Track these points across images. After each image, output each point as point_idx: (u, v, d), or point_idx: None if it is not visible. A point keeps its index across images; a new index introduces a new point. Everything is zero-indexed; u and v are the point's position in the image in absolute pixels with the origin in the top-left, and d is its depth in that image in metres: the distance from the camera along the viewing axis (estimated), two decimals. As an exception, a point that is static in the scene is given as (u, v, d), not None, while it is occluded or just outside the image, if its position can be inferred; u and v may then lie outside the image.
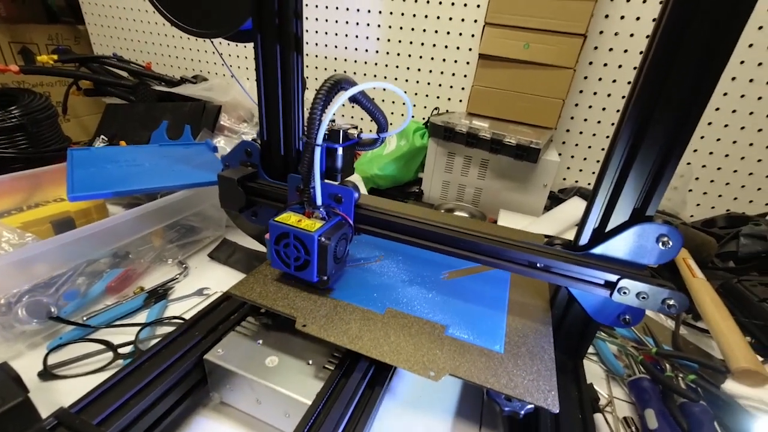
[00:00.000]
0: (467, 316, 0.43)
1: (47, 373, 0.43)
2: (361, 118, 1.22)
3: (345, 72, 1.20)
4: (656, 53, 0.31)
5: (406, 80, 1.14)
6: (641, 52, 0.91)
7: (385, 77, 1.16)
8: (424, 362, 0.35)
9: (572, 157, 1.07)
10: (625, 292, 0.36)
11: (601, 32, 0.93)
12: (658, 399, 0.46)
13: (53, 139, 0.85)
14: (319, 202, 0.43)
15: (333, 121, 0.47)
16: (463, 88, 1.10)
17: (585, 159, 1.06)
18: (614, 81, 0.96)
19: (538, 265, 0.39)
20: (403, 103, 1.17)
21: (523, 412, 0.35)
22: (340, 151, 0.48)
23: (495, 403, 0.36)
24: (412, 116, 0.53)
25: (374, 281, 0.47)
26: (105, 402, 0.32)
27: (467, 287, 0.48)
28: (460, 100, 1.11)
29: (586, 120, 1.02)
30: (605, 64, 0.95)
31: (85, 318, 0.51)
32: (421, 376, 0.34)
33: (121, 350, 0.46)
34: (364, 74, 1.18)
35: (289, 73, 0.43)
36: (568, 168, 1.08)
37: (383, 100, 1.17)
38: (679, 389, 0.46)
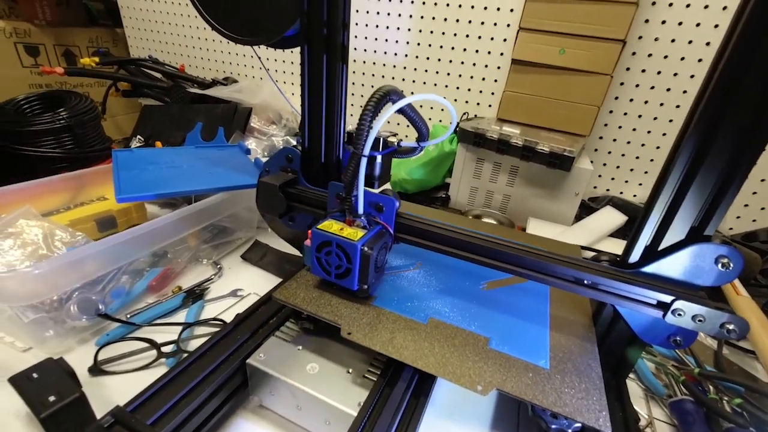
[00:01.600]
0: (509, 329, 0.42)
1: (96, 369, 0.45)
2: (388, 122, 1.22)
3: (373, 75, 1.21)
4: (729, 62, 0.30)
5: (435, 84, 1.14)
6: (682, 58, 0.89)
7: (414, 81, 1.16)
8: (471, 375, 0.35)
9: (604, 165, 1.04)
10: (680, 314, 0.34)
11: (640, 37, 0.90)
12: (702, 422, 0.44)
13: (96, 139, 0.89)
14: (360, 210, 0.43)
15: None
16: (492, 93, 1.08)
17: (618, 167, 1.03)
18: (652, 87, 0.93)
19: (585, 281, 0.38)
20: (431, 108, 1.16)
21: (570, 431, 0.35)
22: (379, 158, 0.48)
23: (541, 420, 0.36)
24: (456, 124, 0.52)
25: (414, 290, 0.47)
26: (157, 402, 0.33)
27: (507, 299, 0.47)
28: (490, 105, 1.10)
29: (620, 127, 0.99)
30: (643, 70, 0.92)
31: (128, 316, 0.53)
32: (467, 390, 0.34)
33: (163, 349, 0.48)
34: (392, 78, 1.18)
35: (335, 82, 0.44)
36: (600, 176, 1.06)
37: (410, 104, 1.17)
38: (725, 413, 0.44)
